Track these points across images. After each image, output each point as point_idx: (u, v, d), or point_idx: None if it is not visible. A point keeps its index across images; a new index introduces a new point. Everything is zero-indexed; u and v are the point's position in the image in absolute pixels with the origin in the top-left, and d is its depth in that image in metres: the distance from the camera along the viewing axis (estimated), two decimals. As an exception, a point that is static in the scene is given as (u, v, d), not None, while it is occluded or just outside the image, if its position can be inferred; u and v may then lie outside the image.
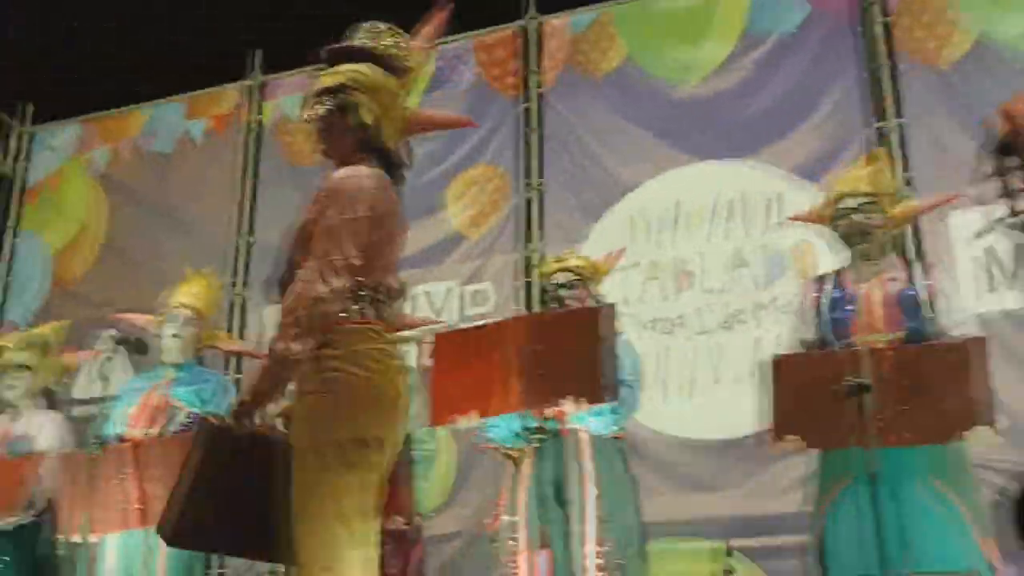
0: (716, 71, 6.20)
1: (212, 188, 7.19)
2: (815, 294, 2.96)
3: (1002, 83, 5.56)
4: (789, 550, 5.38)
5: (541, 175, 6.38)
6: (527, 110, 6.55)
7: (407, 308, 6.38)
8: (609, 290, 5.33)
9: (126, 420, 3.33)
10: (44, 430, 3.52)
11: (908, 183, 5.57)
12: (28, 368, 3.61)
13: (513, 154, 6.50)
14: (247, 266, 6.84)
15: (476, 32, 6.84)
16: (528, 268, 6.22)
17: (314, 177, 6.68)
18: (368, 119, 2.33)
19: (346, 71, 2.33)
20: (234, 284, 6.76)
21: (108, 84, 7.77)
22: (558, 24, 6.69)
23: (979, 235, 4.87)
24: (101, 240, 7.50)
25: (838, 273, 3.03)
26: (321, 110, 2.32)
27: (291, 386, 2.12)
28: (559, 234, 6.20)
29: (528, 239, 6.28)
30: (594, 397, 2.62)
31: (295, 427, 2.14)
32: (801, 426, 2.54)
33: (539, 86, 6.58)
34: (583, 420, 2.87)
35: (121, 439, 3.12)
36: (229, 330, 6.58)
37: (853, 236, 2.94)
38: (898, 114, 5.75)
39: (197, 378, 3.39)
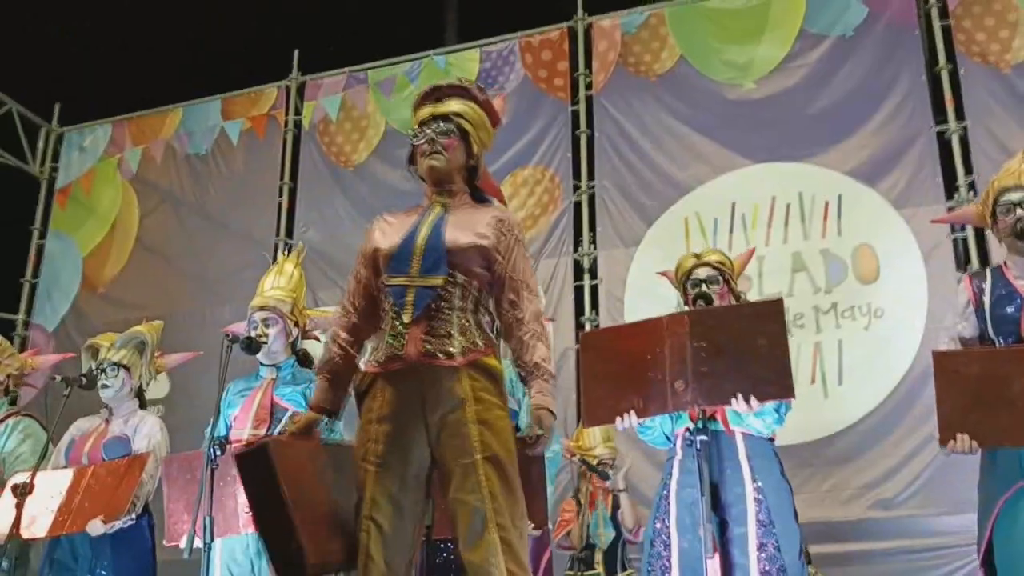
0: (772, 72, 6.26)
1: (250, 189, 7.24)
2: (974, 291, 2.90)
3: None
4: (852, 556, 5.46)
5: (592, 177, 6.43)
6: (575, 112, 6.62)
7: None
8: (665, 294, 5.45)
9: (230, 423, 3.40)
10: (140, 431, 3.53)
11: (971, 186, 5.65)
12: (125, 367, 3.62)
13: (562, 156, 6.56)
14: (287, 268, 6.86)
15: (522, 32, 6.92)
16: (579, 271, 6.26)
17: (355, 179, 6.82)
18: (476, 149, 2.60)
19: (461, 104, 2.58)
20: (274, 286, 6.78)
21: (141, 85, 7.85)
22: (608, 25, 6.76)
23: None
24: (132, 242, 7.54)
25: (998, 270, 2.97)
26: (446, 128, 2.53)
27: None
28: (611, 237, 6.24)
29: (578, 242, 6.32)
30: (785, 393, 2.58)
31: (491, 436, 2.32)
32: (971, 424, 2.52)
33: (588, 88, 6.65)
34: (741, 421, 2.85)
35: (226, 442, 3.14)
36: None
37: (1017, 232, 2.86)
38: (959, 117, 5.81)
39: (300, 378, 3.43)
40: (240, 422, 3.37)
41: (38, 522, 3.32)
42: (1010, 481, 2.60)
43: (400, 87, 7.10)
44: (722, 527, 2.80)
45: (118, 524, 3.31)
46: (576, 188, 6.42)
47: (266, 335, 3.42)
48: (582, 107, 6.61)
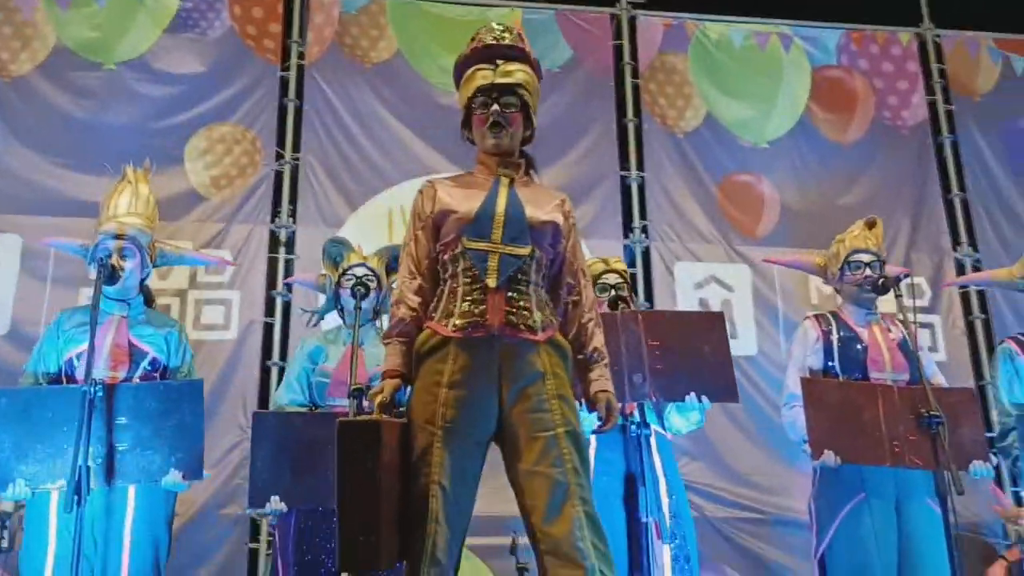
0: (485, 88, 7.04)
1: None
2: (823, 330, 3.74)
3: (725, 156, 7.18)
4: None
5: (296, 149, 6.65)
6: (284, 79, 6.82)
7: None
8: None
9: (65, 359, 3.27)
10: None
11: (644, 230, 6.88)
12: None
13: (266, 121, 6.69)
14: None
15: (233, -18, 6.98)
16: (274, 242, 6.42)
17: (10, 92, 6.29)
18: (534, 121, 2.84)
19: (522, 72, 2.78)
20: None
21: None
22: None
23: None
24: None
25: (835, 315, 3.86)
26: (511, 102, 2.72)
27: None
28: (312, 213, 6.48)
29: (276, 213, 6.50)
30: (732, 396, 3.30)
31: (570, 411, 2.55)
32: (836, 442, 3.30)
33: (301, 58, 6.89)
34: (655, 419, 3.35)
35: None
36: None
37: (864, 288, 3.76)
38: (640, 167, 7.06)
39: (157, 320, 3.37)
40: (93, 360, 3.16)
41: None
42: (852, 494, 3.45)
43: (81, 3, 6.67)
44: (630, 516, 3.33)
45: None
46: (279, 157, 6.60)
47: (122, 267, 3.25)
48: (292, 76, 6.78)
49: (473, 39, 2.89)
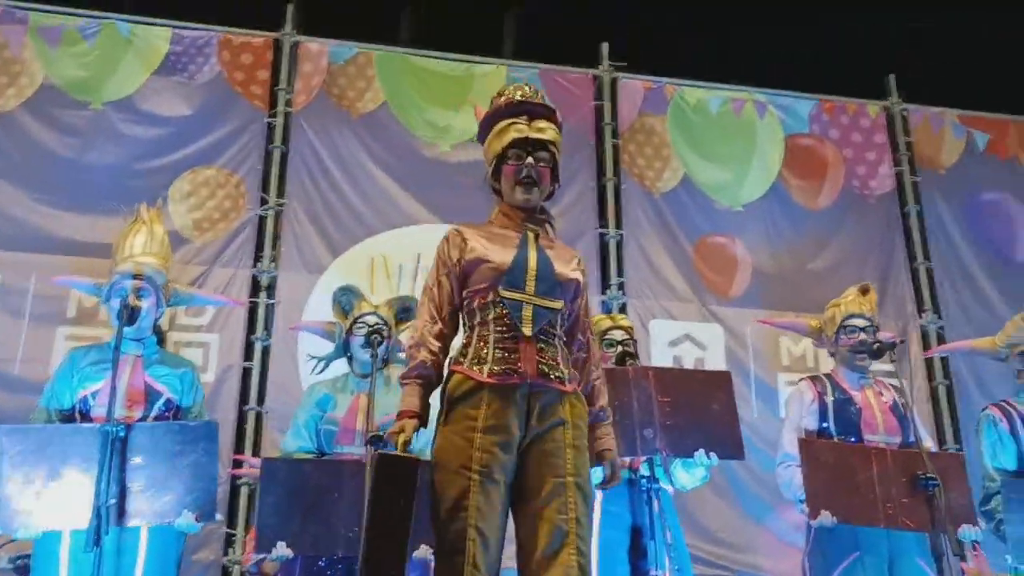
0: (468, 142, 7.11)
1: None
2: (818, 391, 3.84)
3: (701, 218, 7.36)
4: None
5: (281, 195, 6.69)
6: (271, 125, 6.88)
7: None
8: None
9: (79, 397, 3.28)
10: None
11: (621, 286, 7.00)
12: None
13: (251, 166, 6.73)
14: None
15: (223, 28, 7.04)
16: (256, 287, 6.43)
17: None
18: (559, 180, 2.94)
19: (553, 130, 2.89)
20: None
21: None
22: (315, 49, 7.16)
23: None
24: None
25: (829, 377, 3.96)
26: (544, 158, 2.82)
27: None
28: (295, 259, 6.52)
29: (258, 258, 6.51)
30: (738, 453, 3.44)
31: (581, 464, 2.62)
32: (832, 502, 3.40)
33: (288, 105, 6.96)
34: (662, 474, 3.44)
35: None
36: None
37: (859, 352, 3.88)
38: (618, 225, 7.20)
39: (172, 360, 3.44)
40: (104, 399, 3.18)
41: None
42: (847, 551, 3.54)
43: (69, 41, 6.72)
44: (635, 568, 3.39)
45: None
46: (264, 202, 6.64)
47: (139, 307, 3.27)
48: (279, 122, 6.84)
49: (501, 94, 2.97)
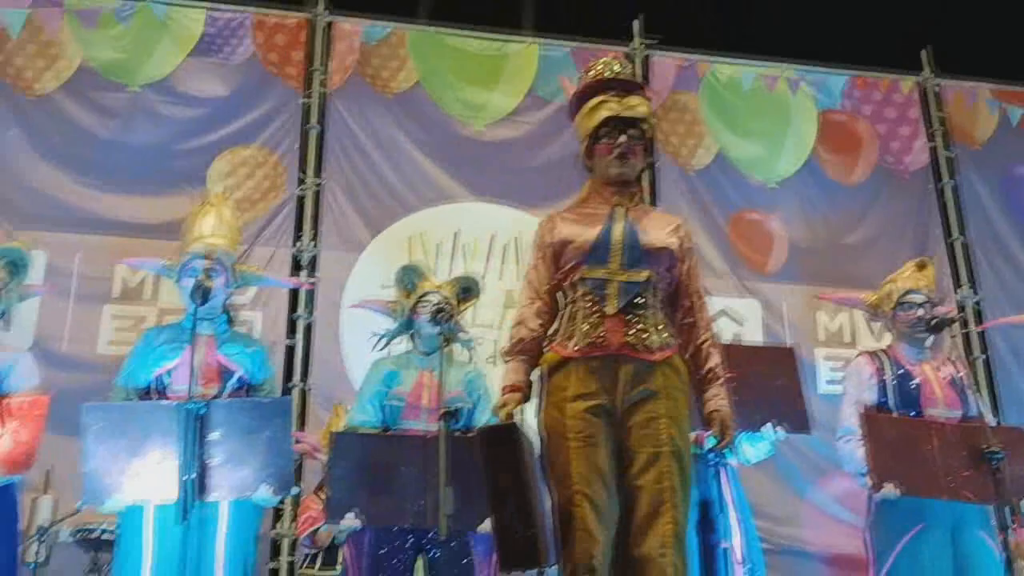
0: (502, 120, 7.14)
1: None
2: (877, 367, 3.85)
3: (735, 194, 7.36)
4: None
5: (318, 174, 6.72)
6: (307, 105, 6.90)
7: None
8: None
9: (155, 376, 3.35)
10: (19, 369, 3.41)
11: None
12: None
13: (289, 145, 6.75)
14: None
15: (256, 9, 7.06)
16: (296, 266, 6.47)
17: (36, 110, 6.29)
18: (652, 154, 2.90)
19: (645, 106, 2.86)
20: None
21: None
22: (349, 28, 7.17)
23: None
24: None
25: (886, 352, 3.97)
26: (636, 135, 2.82)
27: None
28: (336, 237, 6.57)
29: (298, 236, 6.55)
30: (805, 427, 3.46)
31: (678, 432, 2.63)
32: (896, 475, 3.41)
33: (323, 85, 6.98)
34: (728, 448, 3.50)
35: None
36: None
37: (916, 327, 3.89)
38: (653, 202, 7.20)
39: (243, 339, 3.57)
40: (180, 377, 3.24)
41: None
42: (911, 524, 3.56)
43: (105, 24, 6.75)
44: (703, 542, 3.42)
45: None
46: (301, 181, 6.67)
47: (211, 286, 3.32)
48: (315, 102, 6.87)
49: (590, 70, 2.98)
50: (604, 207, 2.84)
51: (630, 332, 2.68)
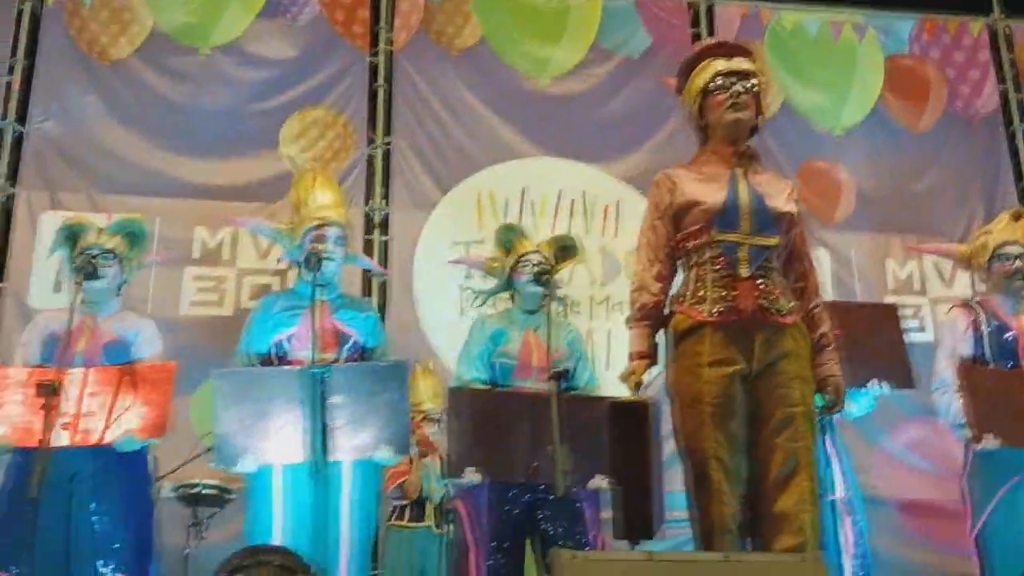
0: (567, 75, 7.12)
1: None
2: (972, 319, 3.88)
3: (802, 143, 7.31)
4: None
5: (387, 134, 6.78)
6: (374, 64, 6.94)
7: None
8: (452, 269, 6.06)
9: (274, 342, 3.48)
10: (143, 335, 3.58)
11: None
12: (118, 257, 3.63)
13: (356, 106, 6.81)
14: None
15: (322, -31, 7.09)
16: (369, 225, 6.57)
17: (111, 76, 6.39)
18: (763, 110, 2.97)
19: (752, 64, 2.91)
20: (-5, 177, 6.17)
21: None
22: (412, -13, 7.20)
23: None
24: None
25: (981, 304, 3.98)
26: (747, 86, 2.85)
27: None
28: (406, 196, 6.63)
29: (369, 196, 6.64)
30: (910, 383, 3.58)
31: (808, 393, 2.70)
32: (995, 426, 3.45)
33: (389, 44, 7.01)
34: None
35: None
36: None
37: (1013, 279, 3.90)
38: (718, 153, 7.18)
39: (357, 304, 3.73)
40: (300, 343, 3.37)
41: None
42: (1009, 474, 3.60)
43: (175, -13, 6.85)
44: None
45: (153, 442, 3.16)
46: (371, 141, 6.74)
47: (330, 255, 3.43)
48: (381, 61, 6.90)
49: (696, 45, 3.04)
50: (723, 168, 2.87)
51: (762, 296, 2.72)
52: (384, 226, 6.57)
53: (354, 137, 6.74)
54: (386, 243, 6.51)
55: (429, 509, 5.07)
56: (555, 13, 7.31)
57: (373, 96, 6.85)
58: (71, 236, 3.54)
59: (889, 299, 7.00)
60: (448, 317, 6.34)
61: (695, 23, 7.42)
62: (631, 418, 2.53)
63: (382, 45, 6.95)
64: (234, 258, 6.38)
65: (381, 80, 6.87)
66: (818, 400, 2.82)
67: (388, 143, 6.74)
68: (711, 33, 7.36)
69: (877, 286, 6.98)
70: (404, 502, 5.11)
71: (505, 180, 6.84)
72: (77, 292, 3.39)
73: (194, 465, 4.68)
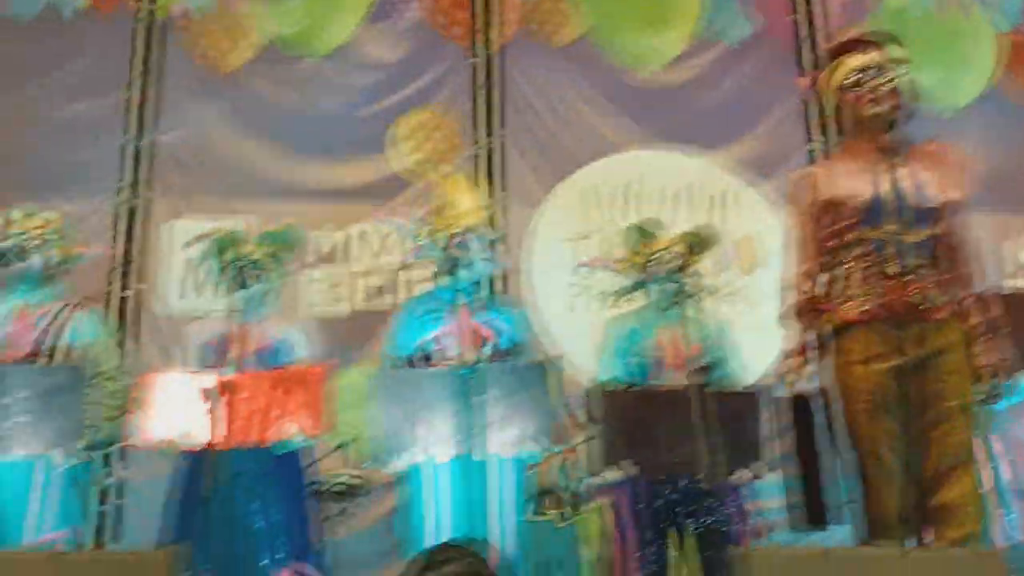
0: (669, 65, 7.11)
1: (88, 78, 6.71)
2: None
3: (913, 124, 7.14)
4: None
5: (490, 134, 6.86)
6: (475, 65, 7.02)
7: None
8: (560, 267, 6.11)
9: (420, 342, 3.59)
10: (292, 339, 3.75)
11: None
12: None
13: (461, 107, 6.91)
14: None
15: (423, -28, 7.19)
16: (482, 223, 6.64)
17: (226, 87, 6.60)
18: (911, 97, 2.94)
19: (898, 50, 2.93)
20: (120, 190, 6.43)
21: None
22: (513, -15, 7.26)
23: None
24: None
25: None
26: (886, 79, 2.89)
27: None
28: (515, 195, 6.72)
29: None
30: None
31: (965, 387, 2.71)
32: None
33: (489, 43, 7.09)
34: None
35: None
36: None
37: None
38: (825, 139, 7.10)
39: (494, 303, 3.95)
40: (445, 344, 3.53)
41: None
42: None
43: (281, -2, 7.02)
44: None
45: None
46: (476, 140, 6.83)
47: (469, 258, 3.56)
48: (482, 61, 7.03)
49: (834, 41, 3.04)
50: (866, 164, 2.85)
51: (911, 293, 2.71)
52: (491, 224, 6.64)
53: (460, 137, 6.84)
54: (492, 241, 6.57)
55: (555, 501, 5.11)
56: (656, 2, 7.29)
57: (476, 95, 6.94)
58: (222, 247, 3.69)
59: (1007, 283, 6.86)
60: (558, 313, 6.40)
61: (797, 8, 7.33)
62: (803, 411, 2.59)
63: (482, 45, 7.03)
64: (347, 260, 6.54)
65: (483, 79, 6.95)
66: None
67: (491, 142, 6.82)
68: (812, 19, 7.30)
69: (995, 268, 6.82)
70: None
71: (611, 174, 6.87)
72: (229, 301, 3.55)
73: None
